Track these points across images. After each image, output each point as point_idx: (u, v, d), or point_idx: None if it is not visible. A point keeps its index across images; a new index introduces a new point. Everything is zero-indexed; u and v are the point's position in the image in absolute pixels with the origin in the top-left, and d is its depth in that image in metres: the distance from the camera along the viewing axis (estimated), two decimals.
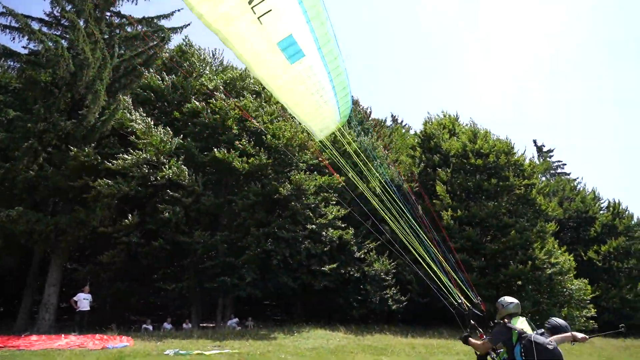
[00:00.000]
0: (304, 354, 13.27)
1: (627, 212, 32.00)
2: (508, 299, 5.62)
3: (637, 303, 27.57)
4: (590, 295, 23.89)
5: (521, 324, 5.31)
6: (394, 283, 21.79)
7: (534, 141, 47.66)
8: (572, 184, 36.01)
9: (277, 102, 22.55)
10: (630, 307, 27.40)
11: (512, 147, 25.39)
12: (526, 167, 25.12)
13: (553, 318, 6.02)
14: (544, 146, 47.59)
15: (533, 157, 38.19)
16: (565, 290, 22.45)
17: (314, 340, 16.12)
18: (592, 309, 23.54)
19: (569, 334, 5.41)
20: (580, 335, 5.39)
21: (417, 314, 22.96)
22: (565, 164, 46.75)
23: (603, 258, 29.00)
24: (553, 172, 45.35)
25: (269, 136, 20.34)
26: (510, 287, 21.94)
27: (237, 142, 19.59)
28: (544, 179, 36.69)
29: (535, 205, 24.16)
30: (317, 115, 7.85)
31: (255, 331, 17.93)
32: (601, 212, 32.30)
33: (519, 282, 21.98)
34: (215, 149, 19.24)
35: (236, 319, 19.94)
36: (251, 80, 22.56)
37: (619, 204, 32.28)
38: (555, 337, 5.28)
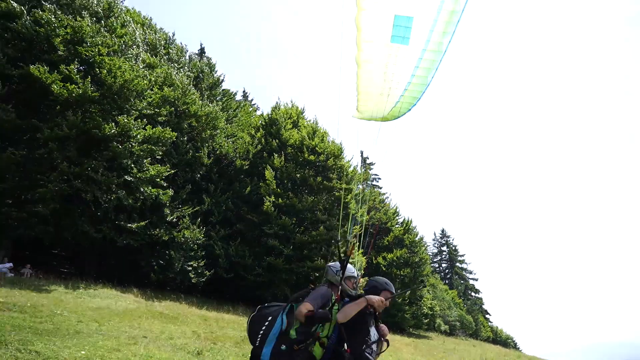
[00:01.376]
0: (84, 312, 12.15)
1: (415, 230, 37.89)
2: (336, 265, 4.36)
3: (402, 305, 32.88)
4: None
5: None
6: (202, 255, 21.61)
7: (361, 152, 52.73)
8: (381, 197, 40.93)
9: (124, 35, 20.21)
10: (397, 309, 32.57)
11: (342, 152, 27.66)
12: (350, 173, 27.63)
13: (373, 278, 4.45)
14: (367, 158, 53.05)
15: (357, 165, 42.21)
16: None
17: (100, 300, 14.92)
18: None
19: (361, 299, 3.85)
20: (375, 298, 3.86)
21: (218, 288, 23.24)
22: (380, 179, 52.93)
23: (388, 264, 33.74)
24: (369, 182, 50.89)
25: (104, 71, 18.00)
26: (308, 277, 23.83)
27: (62, 66, 16.83)
28: (360, 187, 40.90)
29: (348, 209, 26.72)
30: (373, 99, 7.12)
31: (32, 280, 15.76)
32: (397, 225, 37.53)
33: (317, 274, 24.04)
34: (32, 65, 16.21)
35: (10, 264, 17.19)
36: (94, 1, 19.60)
37: (410, 222, 38.02)
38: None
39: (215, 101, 26.59)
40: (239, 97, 37.72)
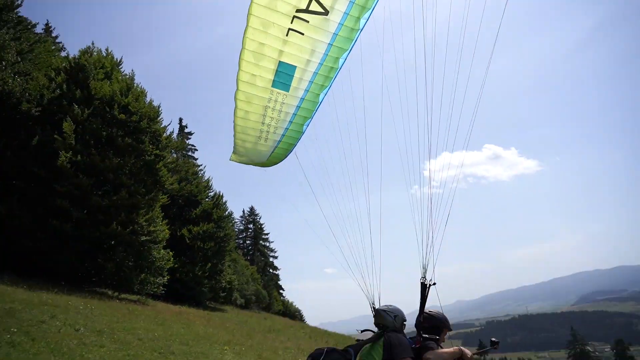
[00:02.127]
0: None
1: (224, 205, 38.15)
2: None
3: (202, 279, 32.91)
4: (169, 266, 26.62)
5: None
6: None
7: (180, 119, 50.40)
8: (194, 169, 39.90)
9: None
10: (196, 282, 32.45)
11: (159, 116, 25.94)
12: (163, 139, 26.08)
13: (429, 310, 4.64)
14: (186, 127, 50.96)
15: (173, 132, 40.16)
16: (151, 257, 24.25)
17: None
18: (166, 277, 26.29)
19: (456, 349, 4.02)
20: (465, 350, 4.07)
21: None
22: (197, 150, 51.55)
23: (192, 237, 33.24)
24: (185, 152, 49.04)
25: None
26: (102, 244, 21.82)
27: None
28: (174, 155, 39.15)
29: (157, 176, 25.25)
30: (251, 140, 7.04)
31: None
32: (207, 199, 37.16)
33: (112, 242, 22.20)
34: None
35: None
36: None
37: (221, 196, 38.17)
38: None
39: (6, 27, 21.81)
40: (39, 29, 31.67)
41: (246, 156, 7.51)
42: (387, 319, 4.31)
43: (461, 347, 4.08)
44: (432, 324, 4.45)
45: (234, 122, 6.74)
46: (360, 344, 4.24)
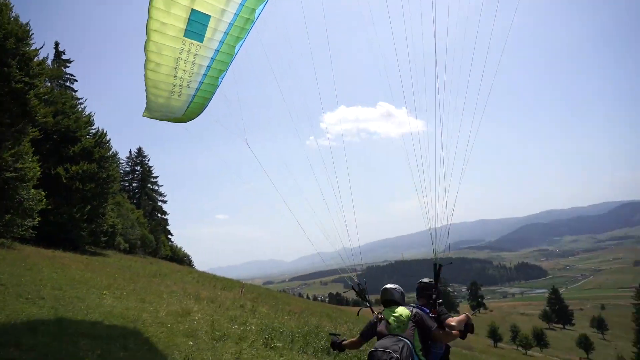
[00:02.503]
0: None
1: (108, 144, 35.13)
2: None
3: (81, 222, 30.48)
4: (41, 207, 24.11)
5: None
6: None
7: (56, 43, 44.19)
8: (73, 102, 35.81)
9: None
10: (73, 225, 30.00)
11: (30, 37, 22.46)
12: (35, 64, 22.77)
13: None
14: (64, 53, 44.99)
15: (48, 58, 35.21)
16: (17, 197, 21.71)
17: None
18: (37, 219, 23.80)
19: (465, 316, 5.06)
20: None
21: None
22: (77, 81, 46.11)
23: (70, 177, 30.30)
24: (62, 82, 43.56)
25: None
26: None
27: None
28: (49, 84, 34.62)
29: (26, 106, 22.22)
30: (163, 95, 6.63)
31: None
32: (88, 136, 33.82)
33: None
34: None
35: None
36: None
37: (105, 134, 35.05)
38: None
39: None
40: None
41: (159, 112, 7.12)
42: (395, 295, 5.28)
43: (466, 313, 5.16)
44: (430, 290, 5.63)
45: (144, 75, 6.21)
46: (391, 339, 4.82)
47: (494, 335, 73.83)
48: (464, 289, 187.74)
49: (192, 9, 5.58)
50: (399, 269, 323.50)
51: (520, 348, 75.31)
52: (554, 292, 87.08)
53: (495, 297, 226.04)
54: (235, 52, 6.42)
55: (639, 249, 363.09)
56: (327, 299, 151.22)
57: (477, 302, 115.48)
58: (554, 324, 77.85)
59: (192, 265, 68.61)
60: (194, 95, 6.79)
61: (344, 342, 5.62)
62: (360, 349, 7.20)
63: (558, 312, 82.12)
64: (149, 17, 5.60)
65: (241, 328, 12.42)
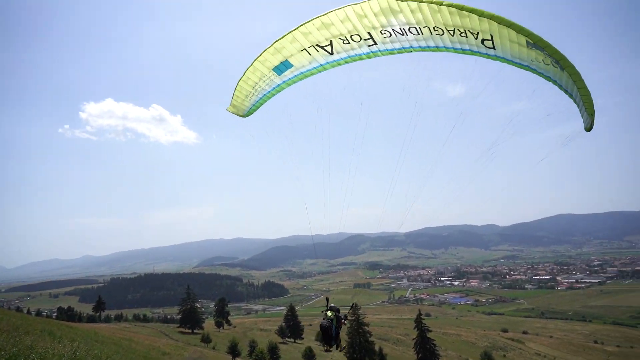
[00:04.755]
0: None
1: None
2: None
3: None
4: None
5: None
6: None
7: None
8: None
9: None
10: None
11: None
12: None
13: None
14: None
15: None
16: None
17: None
18: None
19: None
20: None
21: None
22: None
23: None
24: None
25: None
26: None
27: None
28: None
29: None
30: (241, 100, 12.42)
31: None
32: None
33: None
34: None
35: None
36: None
37: None
38: None
39: None
40: None
41: (237, 108, 12.70)
42: (332, 307, 14.04)
43: (346, 314, 14.79)
44: (337, 310, 14.20)
45: (238, 83, 11.74)
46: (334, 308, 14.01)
47: (233, 350, 73.38)
48: (212, 304, 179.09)
49: (287, 59, 10.71)
50: (148, 281, 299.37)
51: None
52: (291, 309, 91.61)
53: (240, 313, 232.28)
54: (287, 85, 12.01)
55: (358, 273, 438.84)
56: (54, 314, 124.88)
57: (223, 319, 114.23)
58: (287, 338, 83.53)
59: None
60: (256, 102, 12.46)
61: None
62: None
63: (292, 327, 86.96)
64: (260, 54, 10.83)
65: None
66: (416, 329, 41.46)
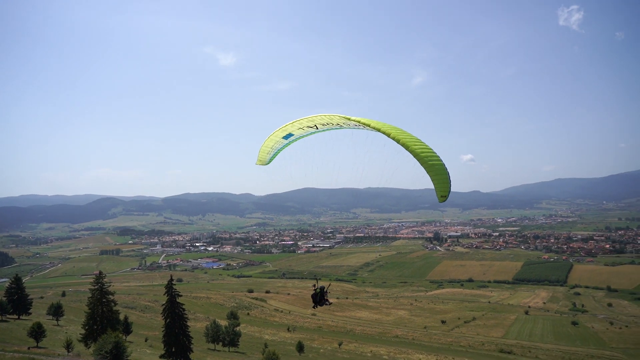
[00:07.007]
0: None
1: None
2: None
3: None
4: None
5: None
6: None
7: None
8: None
9: None
10: None
11: None
12: None
13: None
14: None
15: None
16: None
17: None
18: None
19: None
20: None
21: None
22: None
23: None
24: None
25: None
26: None
27: None
28: None
29: None
30: (264, 155, 23.38)
31: None
32: None
33: None
34: None
35: None
36: None
37: None
38: None
39: None
40: None
41: (262, 161, 24.04)
42: (322, 287, 22.34)
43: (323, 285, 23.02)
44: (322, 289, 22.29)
45: (262, 146, 23.25)
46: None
47: None
48: None
49: (290, 132, 21.67)
50: None
51: None
52: (16, 280, 75.18)
53: None
54: (288, 145, 23.43)
55: (106, 239, 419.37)
56: None
57: None
58: (7, 315, 68.15)
59: None
60: (272, 156, 23.84)
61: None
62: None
63: (16, 302, 73.05)
64: (274, 131, 22.09)
65: None
66: (166, 294, 41.94)
